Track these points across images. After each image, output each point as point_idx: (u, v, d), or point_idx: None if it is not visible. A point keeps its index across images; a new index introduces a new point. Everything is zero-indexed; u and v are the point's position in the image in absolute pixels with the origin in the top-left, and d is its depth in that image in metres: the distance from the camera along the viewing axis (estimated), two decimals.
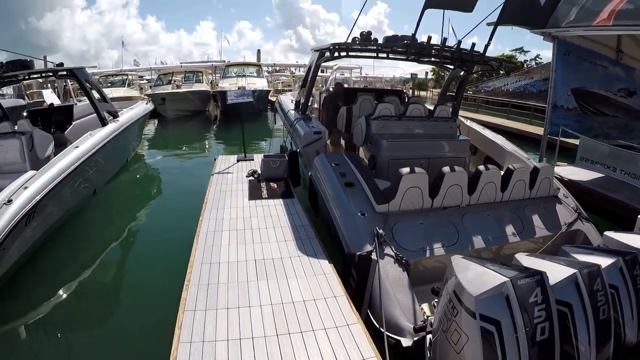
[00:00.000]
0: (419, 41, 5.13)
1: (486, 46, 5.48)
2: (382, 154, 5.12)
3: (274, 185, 5.70)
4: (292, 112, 7.29)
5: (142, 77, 30.19)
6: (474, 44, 5.28)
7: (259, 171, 6.13)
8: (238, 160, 7.15)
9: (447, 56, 6.34)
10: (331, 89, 8.35)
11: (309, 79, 6.84)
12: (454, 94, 7.70)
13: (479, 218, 4.08)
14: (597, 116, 8.40)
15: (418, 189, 3.84)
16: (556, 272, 2.30)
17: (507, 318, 1.99)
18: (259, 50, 33.84)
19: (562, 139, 7.61)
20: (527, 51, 43.97)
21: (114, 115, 8.10)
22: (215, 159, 7.42)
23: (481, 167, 4.24)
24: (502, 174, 4.34)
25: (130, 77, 22.88)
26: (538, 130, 14.85)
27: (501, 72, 35.96)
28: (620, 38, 8.30)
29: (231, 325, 2.72)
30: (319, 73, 7.03)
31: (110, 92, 18.52)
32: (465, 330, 2.08)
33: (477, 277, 2.15)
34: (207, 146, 14.45)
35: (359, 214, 3.70)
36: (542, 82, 30.42)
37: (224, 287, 3.18)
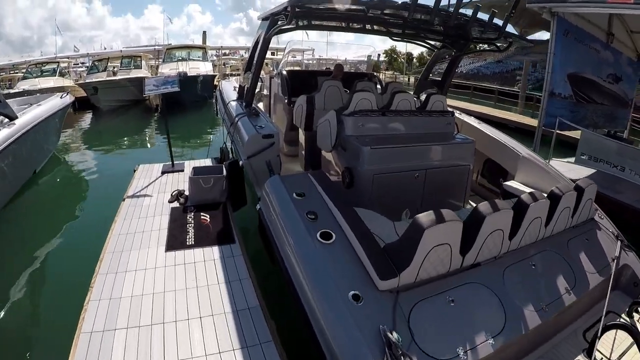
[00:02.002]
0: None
1: (507, 17, 3.96)
2: (363, 166, 3.54)
3: (206, 218, 3.91)
4: (234, 103, 5.42)
5: (83, 64, 26.93)
6: (493, 13, 3.75)
7: (188, 193, 4.33)
8: (163, 173, 5.23)
9: (438, 30, 4.84)
10: (284, 72, 6.49)
11: (255, 59, 4.91)
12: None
13: (522, 273, 2.67)
14: (589, 104, 7.44)
15: (446, 247, 2.28)
16: None
17: None
18: (204, 32, 30.68)
19: (553, 130, 6.52)
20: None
21: (10, 117, 6.00)
22: (134, 170, 5.46)
23: (526, 198, 2.78)
24: (548, 202, 2.92)
25: (63, 65, 19.98)
26: (520, 119, 14.29)
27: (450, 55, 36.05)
28: (611, 20, 7.34)
29: None
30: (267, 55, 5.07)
31: (37, 83, 15.67)
32: None
33: None
34: (147, 140, 12.24)
35: (350, 297, 2.08)
36: (495, 64, 30.67)
37: None
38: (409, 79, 27.73)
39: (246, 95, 5.04)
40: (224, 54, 30.68)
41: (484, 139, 4.88)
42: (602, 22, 7.07)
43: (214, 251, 3.33)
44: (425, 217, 2.21)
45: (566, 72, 6.51)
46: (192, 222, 3.80)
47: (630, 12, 5.78)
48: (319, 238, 2.38)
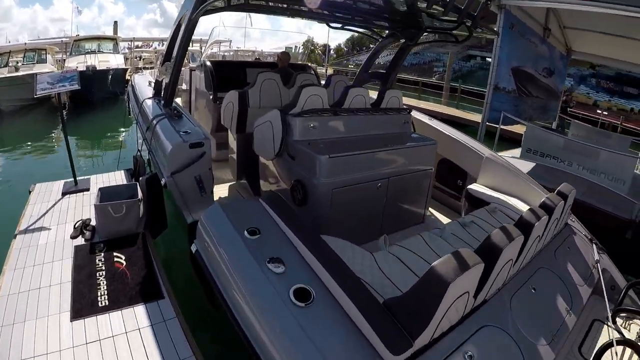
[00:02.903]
0: None
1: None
2: (319, 179, 2.85)
3: (121, 260, 2.86)
4: (150, 102, 4.34)
5: None
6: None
7: (95, 223, 3.31)
8: (65, 194, 4.07)
9: (389, 17, 4.30)
10: (208, 63, 5.55)
11: (177, 47, 3.84)
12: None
13: (527, 301, 2.23)
14: (528, 98, 7.49)
15: (465, 295, 1.72)
16: None
17: None
18: (115, 22, 27.43)
19: (493, 125, 6.41)
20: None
21: None
22: (29, 192, 4.17)
23: (528, 216, 2.30)
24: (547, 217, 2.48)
25: None
26: (446, 110, 14.48)
27: (371, 45, 36.84)
28: (548, 15, 7.43)
29: None
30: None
31: None
32: None
33: None
34: (50, 146, 10.19)
35: None
36: (413, 56, 31.70)
37: None
38: (326, 70, 27.40)
39: (165, 92, 4.03)
40: (137, 47, 27.90)
41: (440, 138, 4.40)
42: (540, 16, 7.12)
43: (137, 315, 2.37)
44: (445, 265, 1.59)
45: (510, 66, 6.41)
46: (104, 268, 2.76)
47: (569, 7, 5.75)
48: (293, 299, 1.64)
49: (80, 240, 3.12)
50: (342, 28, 5.07)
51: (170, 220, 3.49)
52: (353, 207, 3.12)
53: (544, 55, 7.75)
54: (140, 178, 3.32)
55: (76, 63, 15.05)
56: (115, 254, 2.92)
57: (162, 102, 4.06)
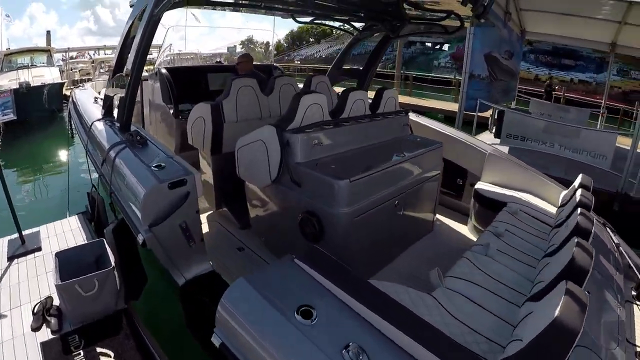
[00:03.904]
0: None
1: None
2: (339, 209, 2.35)
3: (108, 356, 2.14)
4: (101, 125, 3.46)
5: None
6: None
7: (60, 305, 2.49)
8: (11, 259, 3.15)
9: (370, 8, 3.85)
10: (164, 71, 4.78)
11: (134, 53, 2.90)
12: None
13: (598, 312, 2.09)
14: (495, 82, 7.45)
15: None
16: None
17: None
18: (48, 32, 24.57)
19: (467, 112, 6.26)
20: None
21: None
22: None
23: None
24: None
25: None
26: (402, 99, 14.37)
27: (311, 39, 36.47)
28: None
29: None
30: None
31: None
32: None
33: None
34: None
35: None
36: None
37: None
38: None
39: (120, 112, 3.24)
40: (71, 58, 25.37)
41: (438, 138, 4.06)
42: (502, 0, 7.04)
43: None
44: (567, 314, 1.35)
45: (483, 52, 6.27)
46: None
47: None
48: None
49: (45, 333, 2.33)
50: (311, 22, 4.56)
51: (152, 280, 2.82)
52: (371, 233, 2.69)
53: (505, 38, 7.77)
54: (105, 230, 2.61)
55: (7, 80, 13.42)
56: (99, 350, 2.19)
57: (118, 124, 3.31)
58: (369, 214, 2.55)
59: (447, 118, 11.86)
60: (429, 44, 28.65)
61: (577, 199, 2.51)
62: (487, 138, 6.37)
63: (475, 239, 3.52)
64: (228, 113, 3.51)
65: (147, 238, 2.18)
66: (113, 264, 2.41)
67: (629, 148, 4.90)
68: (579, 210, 2.26)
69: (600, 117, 9.04)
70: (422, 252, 3.19)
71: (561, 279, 1.63)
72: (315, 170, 2.46)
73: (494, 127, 7.57)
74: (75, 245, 2.87)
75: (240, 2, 3.51)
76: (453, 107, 14.51)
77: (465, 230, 3.71)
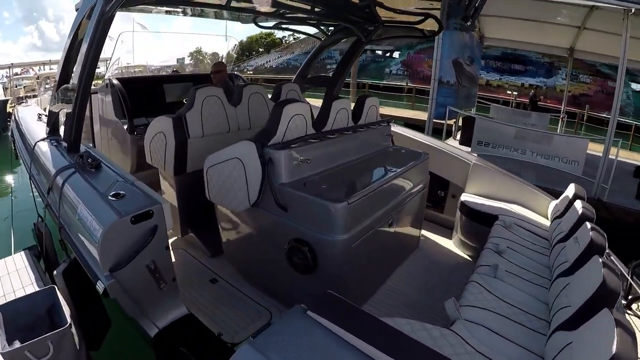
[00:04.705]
0: None
1: None
2: (336, 236, 2.07)
3: None
4: (46, 147, 2.91)
5: None
6: None
7: None
8: None
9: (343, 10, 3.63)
10: (116, 82, 4.30)
11: (80, 62, 2.45)
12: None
13: None
14: (460, 88, 7.53)
15: None
16: None
17: None
18: None
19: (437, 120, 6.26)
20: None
21: None
22: None
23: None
24: None
25: None
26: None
27: (260, 49, 36.33)
28: None
29: None
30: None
31: None
32: None
33: None
34: None
35: None
36: (304, 56, 32.15)
37: None
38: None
39: (67, 130, 2.74)
40: (15, 74, 23.76)
41: (419, 148, 3.89)
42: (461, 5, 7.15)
43: None
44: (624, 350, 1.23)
45: (451, 59, 6.28)
46: None
47: None
48: None
49: None
50: (274, 27, 4.29)
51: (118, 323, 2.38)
52: (366, 258, 2.44)
53: (468, 44, 7.90)
54: (55, 272, 2.16)
55: None
56: None
57: (65, 145, 2.83)
58: (366, 237, 2.30)
59: (408, 126, 11.94)
60: (379, 52, 28.44)
61: (580, 212, 2.40)
62: (453, 143, 6.38)
63: (462, 253, 3.41)
64: (192, 127, 3.11)
65: (109, 286, 1.78)
66: (69, 319, 1.96)
67: (597, 154, 5.02)
68: (588, 225, 2.13)
69: (560, 121, 9.43)
70: (411, 271, 3.01)
71: (594, 304, 1.51)
72: (304, 192, 2.16)
73: (458, 134, 7.66)
74: (22, 295, 2.32)
75: (206, 2, 3.14)
76: (411, 114, 14.79)
77: (450, 244, 3.56)
